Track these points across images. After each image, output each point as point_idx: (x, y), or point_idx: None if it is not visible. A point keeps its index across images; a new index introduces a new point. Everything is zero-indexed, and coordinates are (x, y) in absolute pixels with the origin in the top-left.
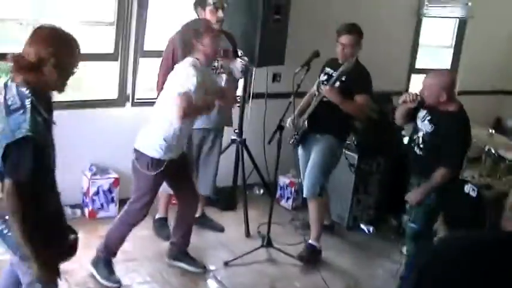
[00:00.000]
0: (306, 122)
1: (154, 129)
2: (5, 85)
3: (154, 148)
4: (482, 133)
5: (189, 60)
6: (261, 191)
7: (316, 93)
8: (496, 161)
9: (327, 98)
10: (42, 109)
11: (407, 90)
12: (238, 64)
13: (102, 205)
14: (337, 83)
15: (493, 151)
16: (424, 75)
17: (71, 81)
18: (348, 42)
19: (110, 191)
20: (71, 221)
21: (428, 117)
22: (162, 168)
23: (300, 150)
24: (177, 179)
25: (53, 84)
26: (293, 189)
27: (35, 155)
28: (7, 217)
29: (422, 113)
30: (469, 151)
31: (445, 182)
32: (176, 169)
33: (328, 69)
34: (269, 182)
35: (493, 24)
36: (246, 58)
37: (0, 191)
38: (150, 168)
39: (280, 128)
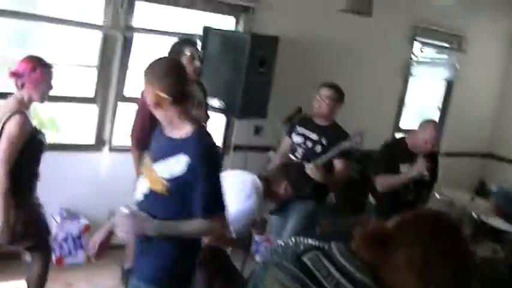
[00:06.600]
0: None
1: None
2: None
3: None
4: (464, 197)
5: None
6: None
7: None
8: (476, 225)
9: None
10: None
11: None
12: None
13: (70, 251)
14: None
15: (474, 215)
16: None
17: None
18: (329, 95)
19: (79, 237)
20: None
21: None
22: None
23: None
24: None
25: None
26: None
27: None
28: None
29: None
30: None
31: None
32: None
33: (301, 130)
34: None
35: (479, 87)
36: None
37: None
38: None
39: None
